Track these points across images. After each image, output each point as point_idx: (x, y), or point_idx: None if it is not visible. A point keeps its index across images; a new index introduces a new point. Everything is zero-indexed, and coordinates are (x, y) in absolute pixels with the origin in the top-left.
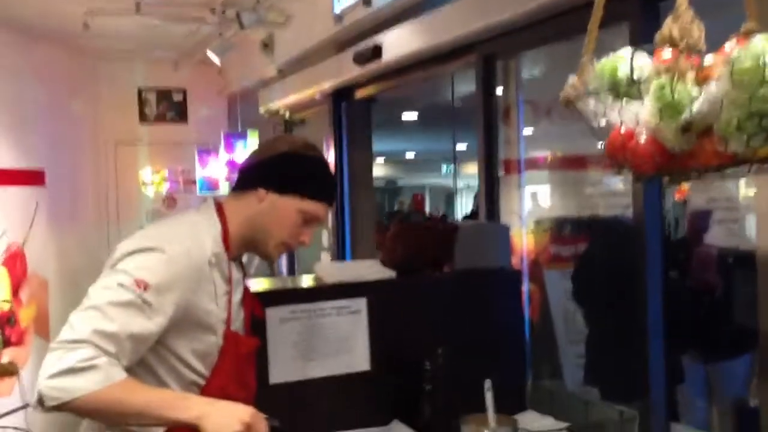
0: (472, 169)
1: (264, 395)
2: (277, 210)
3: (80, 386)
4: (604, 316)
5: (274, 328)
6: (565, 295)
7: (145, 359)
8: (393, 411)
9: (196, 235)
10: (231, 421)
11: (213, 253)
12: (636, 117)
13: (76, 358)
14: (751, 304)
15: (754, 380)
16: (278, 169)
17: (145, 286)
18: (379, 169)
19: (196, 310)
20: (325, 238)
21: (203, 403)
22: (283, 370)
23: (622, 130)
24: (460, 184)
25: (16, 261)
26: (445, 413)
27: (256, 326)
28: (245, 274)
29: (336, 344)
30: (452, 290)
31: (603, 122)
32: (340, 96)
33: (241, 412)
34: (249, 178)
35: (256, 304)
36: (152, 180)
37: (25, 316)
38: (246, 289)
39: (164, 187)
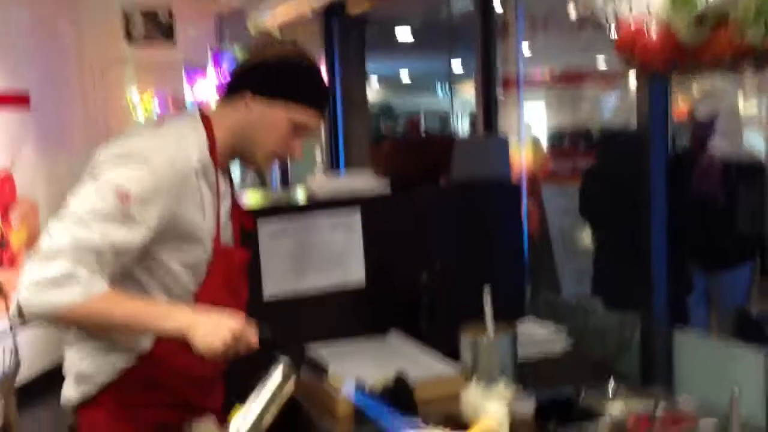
0: (468, 90)
1: (258, 310)
2: (266, 118)
3: (59, 299)
4: (609, 228)
5: (267, 243)
6: (563, 211)
7: (132, 271)
8: (390, 324)
9: (181, 144)
10: (220, 330)
11: (199, 163)
12: (647, 9)
13: (54, 270)
14: (754, 213)
15: (755, 289)
16: (267, 74)
17: (127, 197)
18: (374, 93)
19: (182, 221)
20: (319, 156)
21: (191, 312)
22: (276, 285)
23: (632, 26)
24: (456, 105)
25: (4, 185)
26: (442, 324)
27: (247, 240)
28: (233, 185)
29: (330, 258)
30: (449, 203)
31: (612, 16)
32: (332, 13)
33: (230, 321)
34: (237, 83)
35: (246, 215)
36: (141, 101)
37: (17, 240)
38: (234, 201)
39: (153, 108)
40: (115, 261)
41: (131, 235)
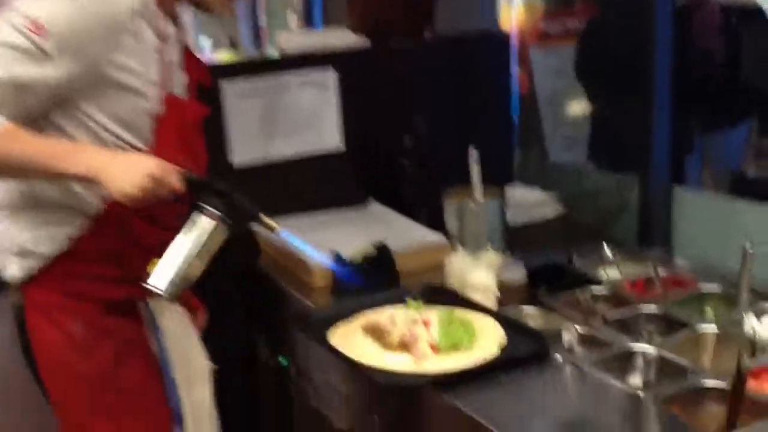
0: None
1: (225, 178)
2: None
3: None
4: (608, 85)
5: (233, 105)
6: (554, 74)
7: (59, 124)
8: (369, 190)
9: None
10: (135, 174)
11: (139, 1)
12: None
13: None
14: (756, 67)
15: (752, 149)
16: None
17: (42, 30)
18: None
19: (114, 69)
20: (294, 23)
21: (102, 154)
22: (245, 151)
23: None
24: None
25: None
26: (426, 189)
27: (207, 99)
28: (184, 30)
29: (303, 121)
30: (432, 58)
31: None
32: None
33: (147, 163)
34: None
35: (202, 68)
36: None
37: None
38: (187, 50)
39: None
40: (18, 101)
41: (42, 73)
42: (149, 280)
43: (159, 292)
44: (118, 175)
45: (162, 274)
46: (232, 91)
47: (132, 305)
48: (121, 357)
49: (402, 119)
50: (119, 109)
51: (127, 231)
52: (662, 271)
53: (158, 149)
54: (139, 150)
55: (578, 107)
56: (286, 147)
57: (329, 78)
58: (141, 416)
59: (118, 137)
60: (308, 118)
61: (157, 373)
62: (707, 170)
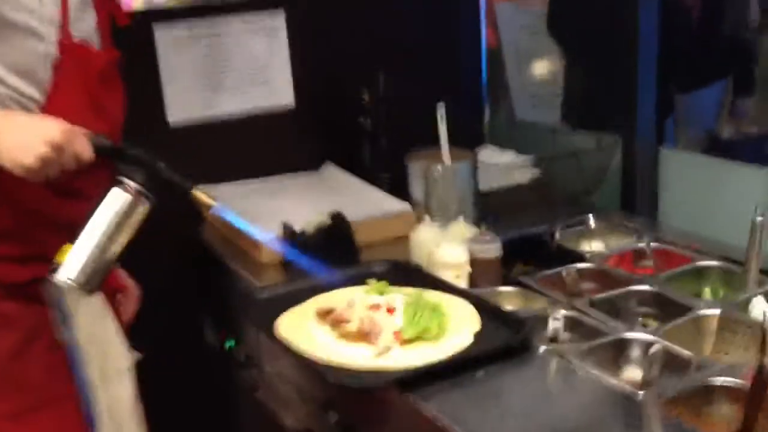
0: None
1: (160, 140)
2: None
3: None
4: (586, 42)
5: (168, 53)
6: (524, 31)
7: None
8: (325, 153)
9: None
10: (32, 141)
11: None
12: None
13: None
14: (734, 24)
15: (726, 109)
16: None
17: None
18: None
19: (4, 4)
20: None
21: None
22: (183, 107)
23: None
24: None
25: None
26: (388, 151)
27: (129, 43)
28: None
29: (249, 73)
30: (395, 2)
31: None
32: None
33: (48, 129)
34: None
35: (116, 6)
36: None
37: None
38: None
39: None
40: None
41: None
42: (58, 275)
43: (70, 284)
44: (11, 143)
45: (73, 263)
46: (166, 38)
47: (36, 288)
48: (22, 349)
49: (362, 73)
50: (12, 54)
51: (21, 201)
52: (652, 244)
53: (54, 104)
54: (29, 98)
55: (549, 65)
56: (231, 103)
57: (279, 22)
58: (48, 418)
59: (13, 89)
60: (256, 70)
61: (66, 367)
62: (681, 130)
